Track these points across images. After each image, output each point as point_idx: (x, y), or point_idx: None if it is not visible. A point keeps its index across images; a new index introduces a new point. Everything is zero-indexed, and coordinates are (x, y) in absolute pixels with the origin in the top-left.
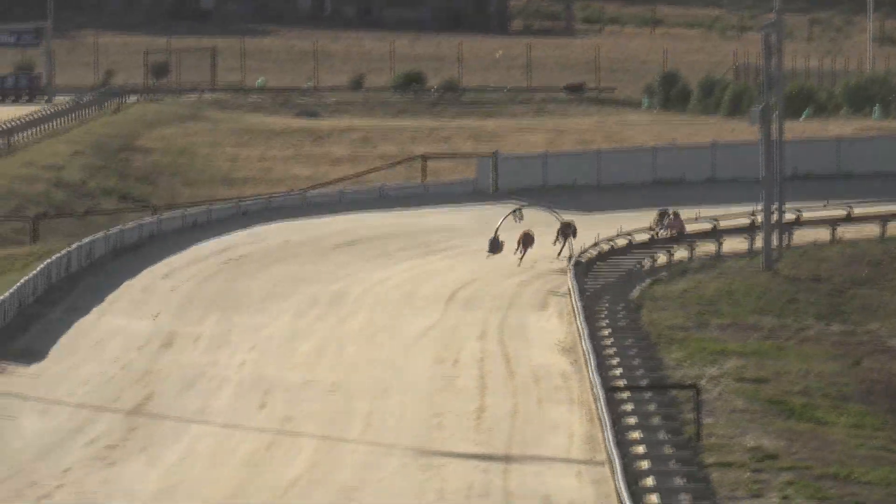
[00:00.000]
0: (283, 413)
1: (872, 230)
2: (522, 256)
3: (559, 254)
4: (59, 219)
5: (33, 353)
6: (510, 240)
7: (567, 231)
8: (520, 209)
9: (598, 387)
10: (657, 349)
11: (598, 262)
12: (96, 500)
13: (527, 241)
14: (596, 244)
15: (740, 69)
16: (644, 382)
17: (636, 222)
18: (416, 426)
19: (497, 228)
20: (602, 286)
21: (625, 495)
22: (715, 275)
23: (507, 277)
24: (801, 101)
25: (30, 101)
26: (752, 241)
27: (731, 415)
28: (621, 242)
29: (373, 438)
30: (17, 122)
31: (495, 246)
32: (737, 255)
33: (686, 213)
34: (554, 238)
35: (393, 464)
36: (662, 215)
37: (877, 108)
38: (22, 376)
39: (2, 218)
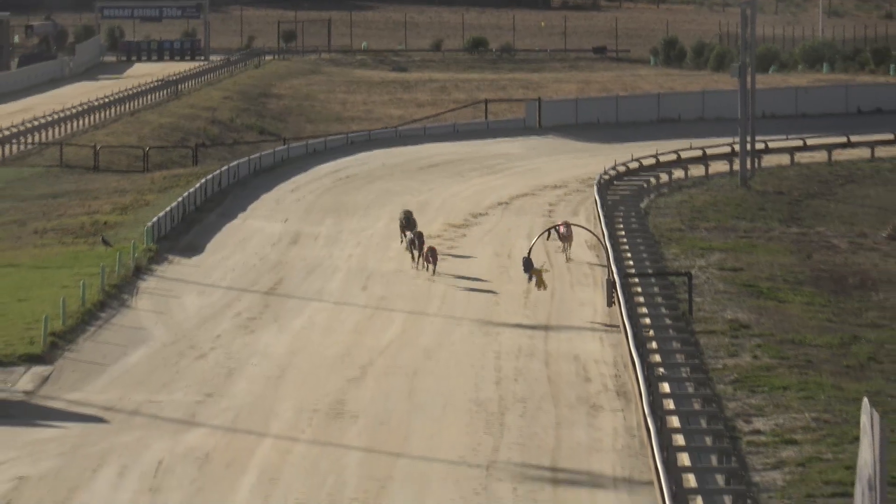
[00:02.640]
0: (380, 293)
1: (822, 156)
2: (431, 267)
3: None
4: (213, 147)
5: (194, 248)
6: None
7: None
8: (553, 228)
9: (616, 274)
10: (660, 246)
11: (615, 181)
12: (240, 358)
13: (428, 249)
14: (614, 167)
15: (723, 35)
16: (649, 271)
17: (645, 150)
18: (479, 304)
19: (530, 248)
20: (619, 198)
21: (635, 354)
22: (703, 190)
23: (551, 190)
24: (769, 60)
25: (191, 59)
26: (731, 164)
27: (714, 295)
28: (633, 166)
29: (447, 313)
30: (183, 74)
31: (528, 265)
32: (720, 175)
33: (682, 143)
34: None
35: (461, 331)
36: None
37: (825, 64)
38: (185, 265)
39: (171, 146)
